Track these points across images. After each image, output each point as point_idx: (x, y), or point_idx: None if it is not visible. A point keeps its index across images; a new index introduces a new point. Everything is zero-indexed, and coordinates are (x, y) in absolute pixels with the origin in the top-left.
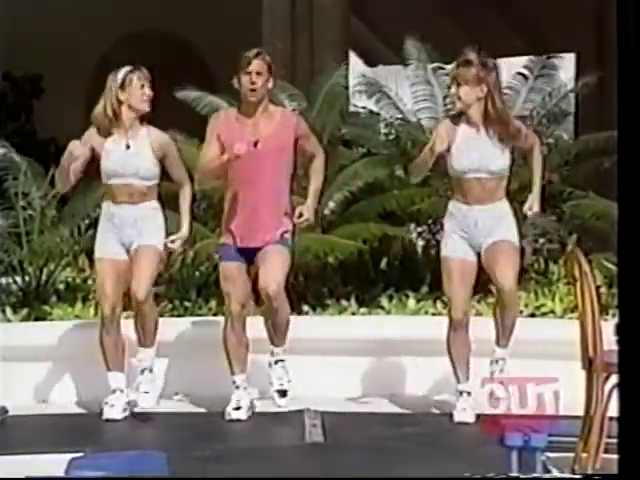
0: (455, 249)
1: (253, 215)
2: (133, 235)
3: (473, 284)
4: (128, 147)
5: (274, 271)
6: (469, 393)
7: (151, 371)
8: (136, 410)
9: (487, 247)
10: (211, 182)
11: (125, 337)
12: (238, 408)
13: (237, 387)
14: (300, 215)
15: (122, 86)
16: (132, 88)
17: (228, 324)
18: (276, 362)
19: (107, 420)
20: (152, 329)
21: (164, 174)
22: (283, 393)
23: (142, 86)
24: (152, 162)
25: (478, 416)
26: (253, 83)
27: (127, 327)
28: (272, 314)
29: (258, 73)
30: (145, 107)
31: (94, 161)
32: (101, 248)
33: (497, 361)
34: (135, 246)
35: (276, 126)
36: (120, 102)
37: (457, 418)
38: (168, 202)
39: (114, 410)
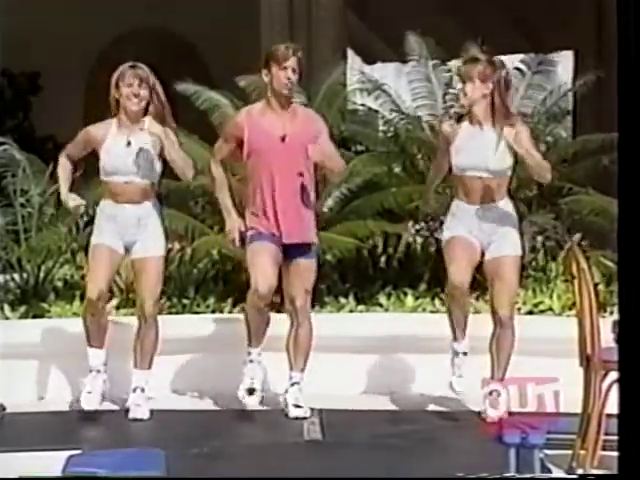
0: (460, 232)
1: (287, 211)
2: (136, 235)
3: (474, 266)
4: (129, 144)
5: (303, 286)
6: (465, 353)
7: (143, 390)
8: (130, 417)
9: (490, 259)
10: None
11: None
12: (251, 391)
13: (251, 361)
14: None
15: (116, 84)
16: (123, 86)
17: (253, 304)
18: (292, 385)
19: (85, 411)
20: (153, 348)
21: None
22: (299, 407)
23: (130, 85)
24: (153, 159)
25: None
26: (289, 79)
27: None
28: (296, 328)
29: (294, 70)
30: (132, 107)
31: (93, 156)
32: (98, 237)
33: (491, 392)
34: (139, 253)
35: (300, 122)
36: (116, 100)
37: (455, 386)
38: (168, 200)
39: (92, 397)
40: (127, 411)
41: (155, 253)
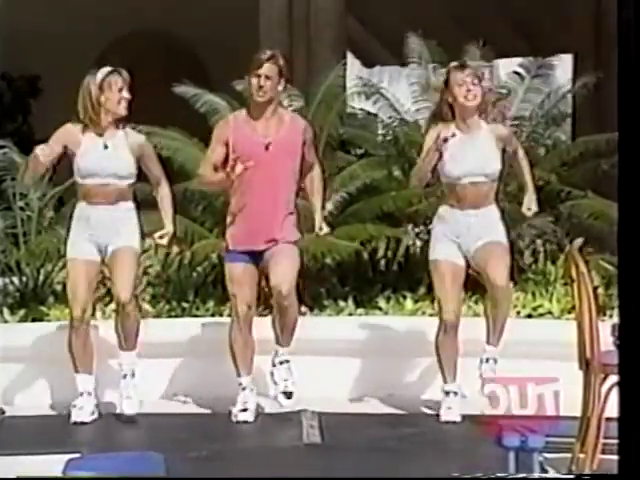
0: (444, 252)
1: (264, 218)
2: (110, 236)
3: (462, 286)
4: (106, 147)
5: (286, 270)
6: (455, 393)
7: (133, 376)
8: (119, 412)
9: (476, 249)
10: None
11: (94, 340)
12: (245, 410)
13: (243, 389)
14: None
15: (101, 89)
16: (110, 92)
17: (234, 325)
18: (281, 363)
19: (75, 423)
20: (133, 332)
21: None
22: (288, 395)
23: (120, 89)
24: (130, 162)
25: (464, 417)
26: (260, 87)
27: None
28: (282, 313)
29: (267, 77)
30: (122, 111)
31: (67, 158)
32: (74, 248)
33: (487, 360)
34: (112, 248)
35: (286, 129)
36: (99, 104)
37: (444, 417)
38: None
39: (82, 413)
40: (117, 415)
41: (128, 244)
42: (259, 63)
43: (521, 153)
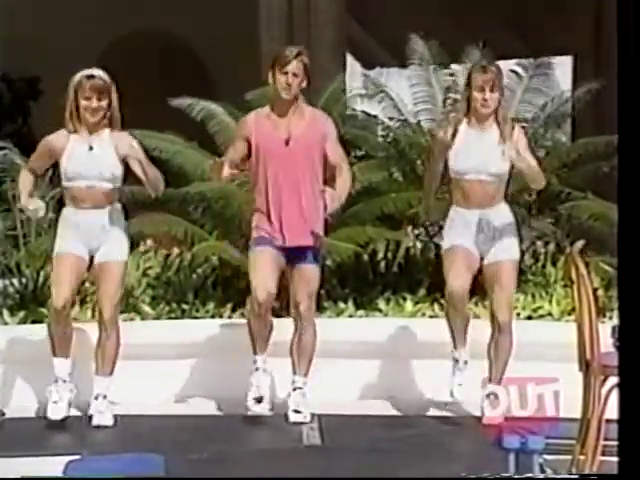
0: (459, 241)
1: (289, 214)
2: (100, 239)
3: (473, 274)
4: (91, 148)
5: (306, 291)
6: (466, 362)
7: (105, 397)
8: (93, 424)
9: (489, 264)
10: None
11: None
12: (259, 400)
13: (257, 369)
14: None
15: (75, 93)
16: (80, 98)
17: (253, 312)
18: (295, 390)
19: (50, 419)
20: (112, 355)
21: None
22: (299, 412)
23: (88, 98)
24: (116, 164)
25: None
26: (289, 84)
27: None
28: (299, 333)
29: (295, 74)
30: (90, 119)
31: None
32: (61, 246)
33: (488, 395)
34: (101, 256)
35: (305, 125)
36: (76, 109)
37: (455, 394)
38: (167, 206)
39: (58, 407)
40: (90, 418)
41: (116, 258)
42: (286, 60)
43: (527, 154)
